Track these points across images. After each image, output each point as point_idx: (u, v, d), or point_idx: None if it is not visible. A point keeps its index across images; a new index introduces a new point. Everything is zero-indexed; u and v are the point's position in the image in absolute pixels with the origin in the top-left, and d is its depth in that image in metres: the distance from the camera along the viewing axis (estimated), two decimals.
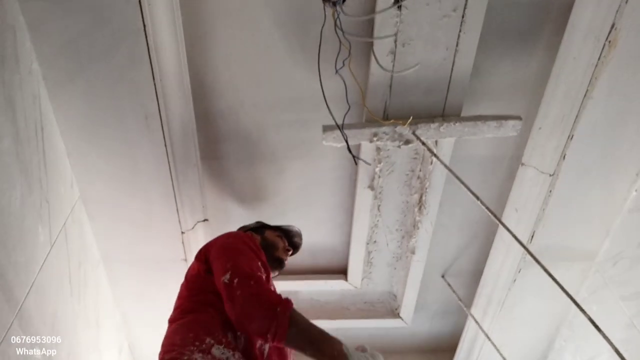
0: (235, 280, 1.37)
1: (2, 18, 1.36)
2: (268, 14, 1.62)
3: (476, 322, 2.37)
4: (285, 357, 1.56)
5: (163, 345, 1.39)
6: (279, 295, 1.38)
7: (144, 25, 1.46)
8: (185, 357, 1.30)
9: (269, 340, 1.31)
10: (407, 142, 1.77)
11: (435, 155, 1.76)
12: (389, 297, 2.49)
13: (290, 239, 1.99)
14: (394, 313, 2.50)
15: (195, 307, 1.45)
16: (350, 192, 2.11)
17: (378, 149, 1.86)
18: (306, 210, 1.75)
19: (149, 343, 2.41)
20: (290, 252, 1.94)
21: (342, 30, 1.46)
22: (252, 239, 1.62)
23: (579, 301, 1.39)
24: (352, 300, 2.50)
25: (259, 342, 1.44)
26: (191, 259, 1.75)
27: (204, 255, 1.55)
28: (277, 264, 1.83)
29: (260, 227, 1.97)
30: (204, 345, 1.33)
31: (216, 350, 1.33)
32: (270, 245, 1.83)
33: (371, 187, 1.99)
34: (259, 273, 1.44)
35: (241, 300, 1.33)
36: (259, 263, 1.50)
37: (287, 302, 1.36)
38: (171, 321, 1.48)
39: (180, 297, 1.55)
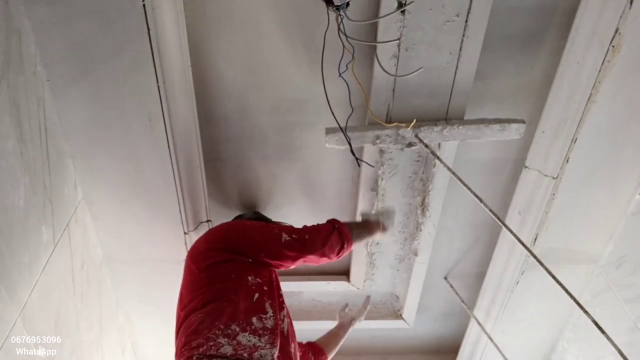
0: (292, 236, 1.60)
1: (7, 21, 1.37)
2: (272, 18, 1.63)
3: (479, 324, 2.37)
4: (294, 335, 1.59)
5: (187, 335, 1.38)
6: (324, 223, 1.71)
7: (148, 29, 1.46)
8: (212, 343, 1.32)
9: (346, 248, 1.67)
10: (410, 144, 1.77)
11: (438, 158, 1.76)
12: (392, 298, 2.50)
13: None
14: (397, 314, 2.50)
15: (218, 295, 1.45)
16: (353, 194, 2.12)
17: (381, 151, 1.86)
18: (309, 212, 1.76)
19: (152, 343, 2.42)
20: None
21: (345, 34, 1.46)
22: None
23: (581, 304, 1.39)
24: (354, 301, 2.50)
25: (280, 322, 1.48)
26: None
27: (224, 244, 1.56)
28: None
29: (258, 219, 1.98)
30: (229, 331, 1.35)
31: (242, 338, 1.35)
32: None
33: (374, 189, 1.99)
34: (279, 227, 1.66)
35: (314, 240, 1.61)
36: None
37: (333, 220, 1.72)
38: (190, 311, 1.45)
39: (194, 286, 1.52)
